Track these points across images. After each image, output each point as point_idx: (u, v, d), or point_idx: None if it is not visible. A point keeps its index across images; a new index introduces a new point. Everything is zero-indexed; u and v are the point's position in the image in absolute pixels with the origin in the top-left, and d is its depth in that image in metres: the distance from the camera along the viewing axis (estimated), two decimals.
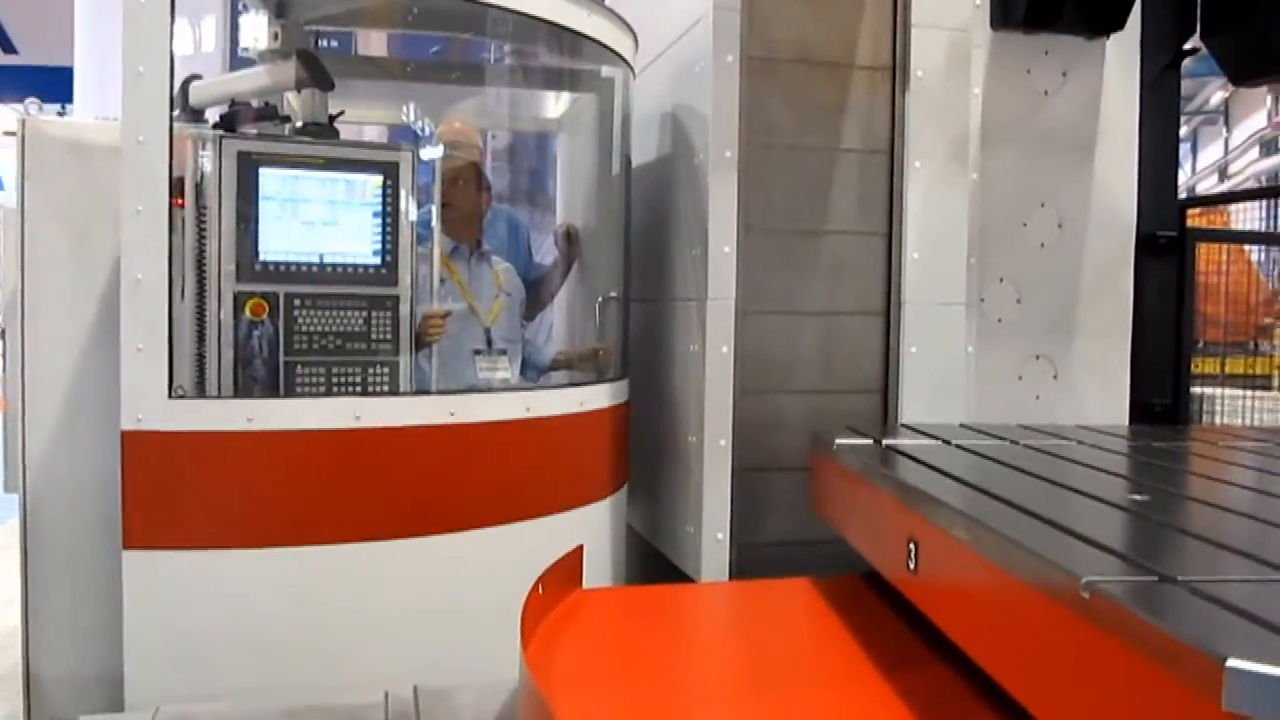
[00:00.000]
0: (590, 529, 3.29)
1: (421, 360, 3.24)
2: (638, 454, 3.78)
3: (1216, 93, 19.61)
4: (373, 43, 5.04)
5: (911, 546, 2.24)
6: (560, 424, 3.25)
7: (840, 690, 2.26)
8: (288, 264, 2.93)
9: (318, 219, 2.97)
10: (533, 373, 3.79)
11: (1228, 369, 5.94)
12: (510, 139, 3.98)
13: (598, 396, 3.43)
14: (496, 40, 3.62)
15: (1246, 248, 6.41)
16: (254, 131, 3.08)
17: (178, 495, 2.70)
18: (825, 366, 3.48)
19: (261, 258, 2.90)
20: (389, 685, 2.75)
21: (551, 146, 4.43)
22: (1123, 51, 3.78)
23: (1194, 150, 21.79)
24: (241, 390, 2.88)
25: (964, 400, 3.52)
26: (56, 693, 2.98)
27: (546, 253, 4.20)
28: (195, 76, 3.21)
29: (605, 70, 3.76)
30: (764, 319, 3.41)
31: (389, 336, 3.03)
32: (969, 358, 3.58)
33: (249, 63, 3.35)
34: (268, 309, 2.89)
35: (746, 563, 3.39)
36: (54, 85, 8.87)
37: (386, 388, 3.01)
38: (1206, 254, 5.01)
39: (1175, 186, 4.16)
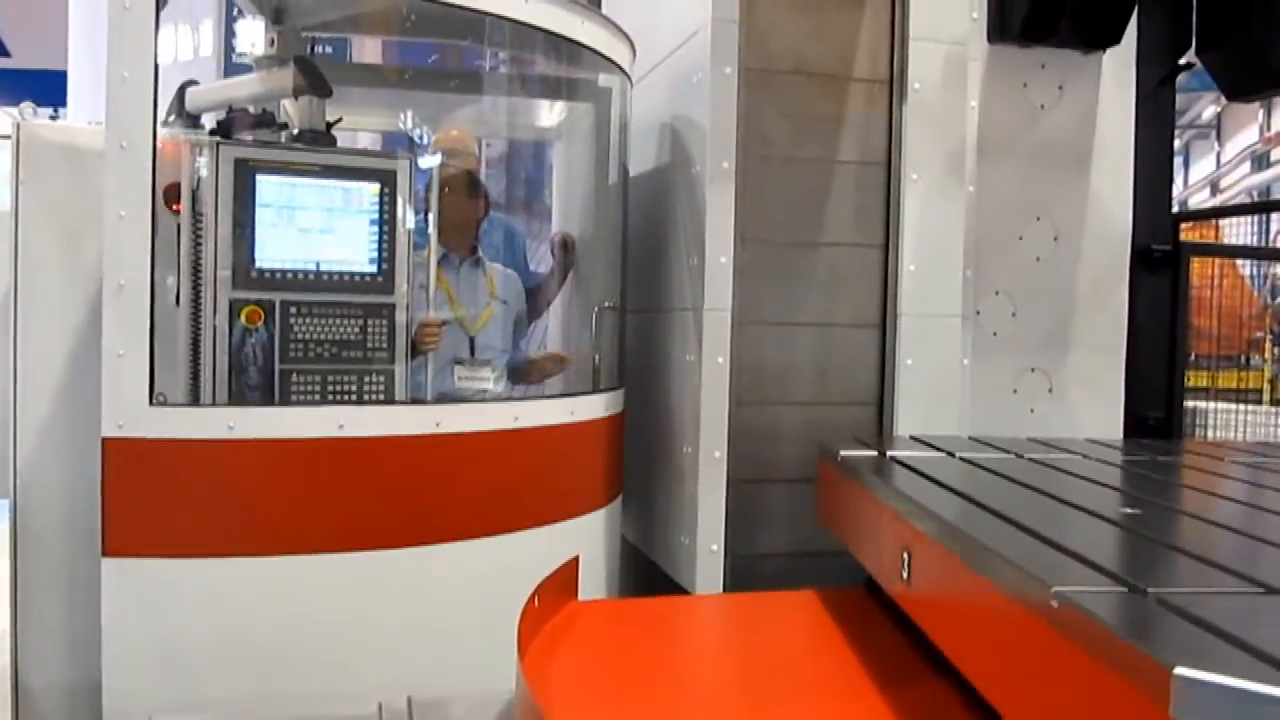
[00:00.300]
0: (584, 540, 3.27)
1: (415, 369, 3.24)
2: (632, 464, 3.77)
3: (1209, 107, 19.71)
4: (368, 49, 5.04)
5: (905, 556, 2.24)
6: (550, 434, 3.23)
7: (836, 703, 2.25)
8: (283, 271, 2.91)
9: (314, 226, 2.96)
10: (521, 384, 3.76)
11: (1219, 383, 5.96)
12: (507, 147, 3.97)
13: (590, 407, 3.42)
14: (492, 48, 3.61)
15: (1238, 262, 6.44)
16: (249, 138, 3.07)
17: (159, 502, 2.68)
18: (821, 378, 3.48)
19: (257, 265, 2.89)
20: (380, 696, 2.73)
21: (548, 155, 4.42)
22: (1118, 66, 3.80)
23: (1186, 164, 21.88)
24: (237, 397, 2.86)
25: (959, 413, 3.52)
26: (45, 701, 2.96)
27: (541, 261, 4.19)
28: (192, 82, 3.20)
29: (603, 79, 3.76)
30: (760, 330, 3.41)
31: (384, 345, 3.02)
32: (964, 370, 3.58)
33: (244, 68, 3.34)
34: (263, 316, 2.87)
35: (741, 574, 3.38)
36: (47, 88, 8.86)
37: (381, 396, 3.00)
38: (1199, 268, 5.02)
39: (1170, 201, 4.17)
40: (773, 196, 3.42)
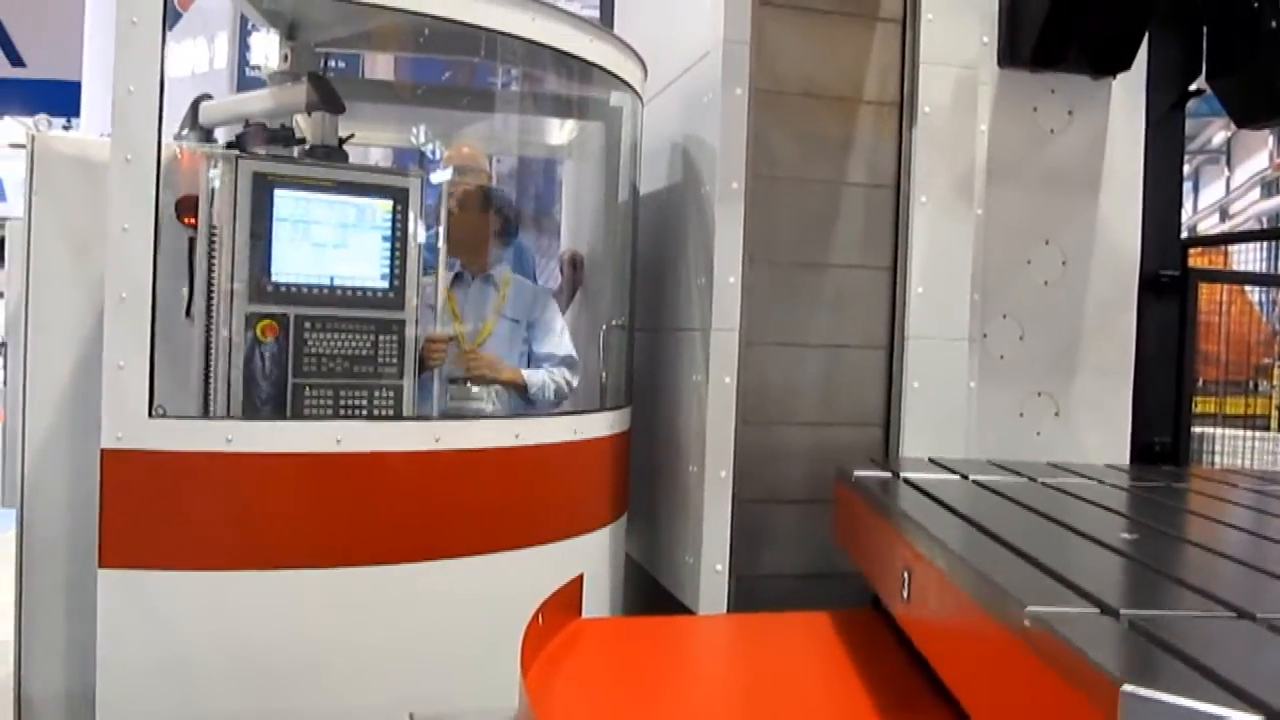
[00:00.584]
0: (588, 558, 3.27)
1: (424, 384, 3.25)
2: (637, 482, 3.77)
3: (1219, 132, 19.69)
4: (380, 66, 5.08)
5: (905, 576, 2.26)
6: (553, 452, 3.23)
7: None
8: (298, 286, 2.92)
9: (329, 241, 2.97)
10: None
11: (1227, 409, 5.94)
12: (517, 164, 3.99)
13: (594, 425, 3.42)
14: (503, 65, 3.63)
15: (1247, 288, 6.42)
16: (262, 151, 3.09)
17: (157, 515, 2.67)
18: (827, 399, 3.48)
19: (274, 279, 2.89)
20: (382, 712, 2.73)
21: (558, 172, 4.44)
22: (1129, 91, 3.80)
23: (1195, 189, 21.86)
24: (248, 411, 2.87)
25: (965, 436, 3.52)
26: (47, 712, 2.95)
27: (550, 278, 4.21)
28: (206, 96, 3.23)
29: (613, 98, 3.78)
30: (767, 350, 3.41)
31: (394, 360, 3.03)
32: (971, 393, 3.58)
33: (257, 82, 3.36)
34: (278, 330, 2.88)
35: (745, 595, 3.37)
36: (60, 99, 8.92)
37: (390, 411, 3.00)
38: (1208, 293, 5.02)
39: (1179, 226, 4.17)
40: (782, 217, 3.43)
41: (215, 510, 2.73)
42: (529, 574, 2.97)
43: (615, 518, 3.57)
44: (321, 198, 2.96)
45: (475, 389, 3.43)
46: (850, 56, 3.48)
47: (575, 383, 3.57)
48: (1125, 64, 3.70)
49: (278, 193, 2.89)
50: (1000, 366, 3.70)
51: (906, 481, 2.86)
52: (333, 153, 3.13)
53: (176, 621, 2.69)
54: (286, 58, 3.18)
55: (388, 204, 3.02)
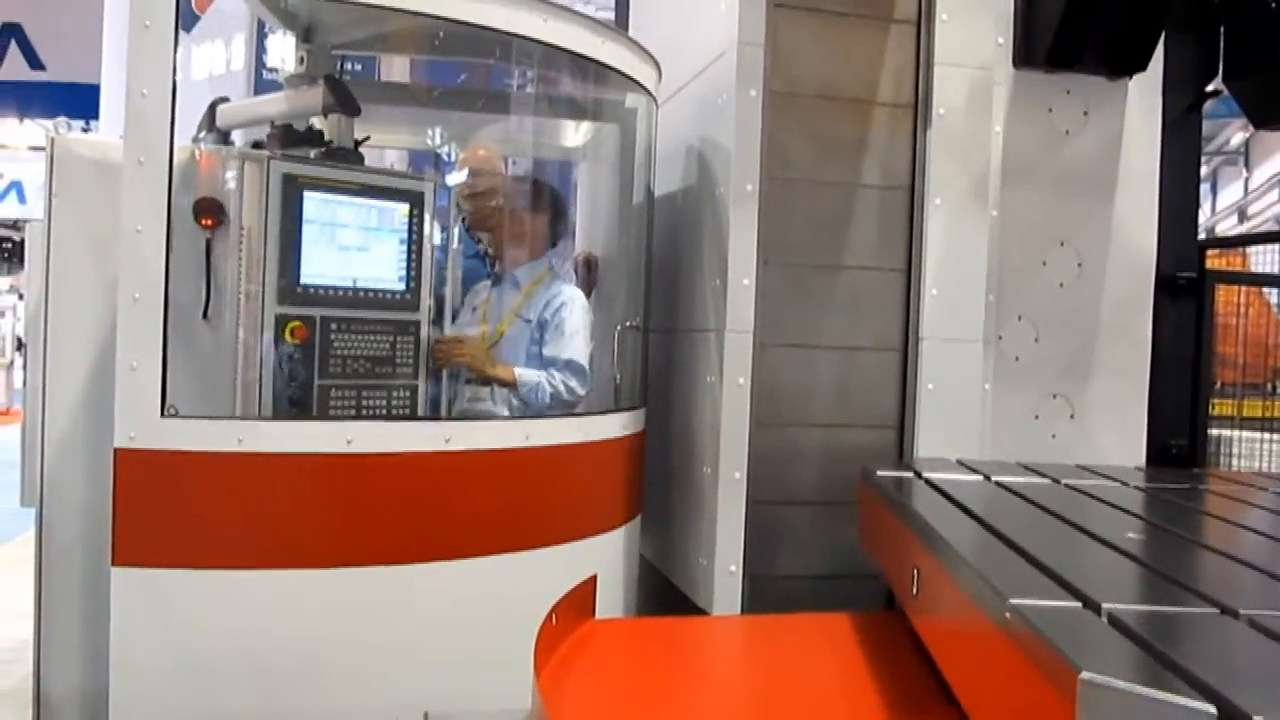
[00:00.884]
0: (602, 559, 3.28)
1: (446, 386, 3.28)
2: (651, 484, 3.78)
3: (1237, 134, 19.58)
4: (396, 69, 5.09)
5: (915, 573, 2.27)
6: (564, 453, 3.24)
7: None
8: (324, 288, 2.94)
9: (352, 244, 3.00)
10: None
11: (1244, 411, 5.90)
12: (532, 166, 3.99)
13: (605, 426, 3.42)
14: (518, 68, 3.64)
15: (1265, 290, 6.39)
16: (278, 153, 3.10)
17: (169, 513, 2.69)
18: (842, 401, 3.48)
19: (302, 281, 2.91)
20: (396, 712, 2.74)
21: (573, 174, 4.45)
22: (1144, 92, 3.78)
23: (1214, 191, 21.74)
24: (278, 413, 2.88)
25: (980, 438, 3.51)
26: (66, 710, 2.97)
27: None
28: (223, 99, 3.24)
29: (628, 100, 3.78)
30: (782, 352, 3.42)
31: (411, 362, 3.05)
32: (986, 395, 3.57)
33: (273, 84, 3.38)
34: (306, 332, 2.90)
35: (759, 596, 3.37)
36: (80, 102, 8.98)
37: (407, 412, 3.02)
38: (1225, 295, 4.99)
39: (1195, 228, 4.15)
40: (796, 219, 3.43)
41: (227, 510, 2.75)
42: (542, 574, 2.98)
43: (629, 519, 3.57)
44: (345, 200, 2.98)
45: (484, 390, 3.43)
46: (865, 58, 3.48)
47: (580, 389, 3.46)
48: (1141, 65, 3.68)
49: (307, 195, 2.91)
50: (1015, 368, 3.69)
51: (926, 481, 2.86)
52: (348, 155, 3.15)
53: (188, 620, 2.71)
54: (303, 60, 3.20)
55: (405, 207, 3.04)
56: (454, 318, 3.58)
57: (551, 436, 3.20)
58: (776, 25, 3.38)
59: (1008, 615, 1.57)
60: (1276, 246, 6.11)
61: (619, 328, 3.76)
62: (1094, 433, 3.75)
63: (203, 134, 3.18)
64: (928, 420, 3.44)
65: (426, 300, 3.10)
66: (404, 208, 3.05)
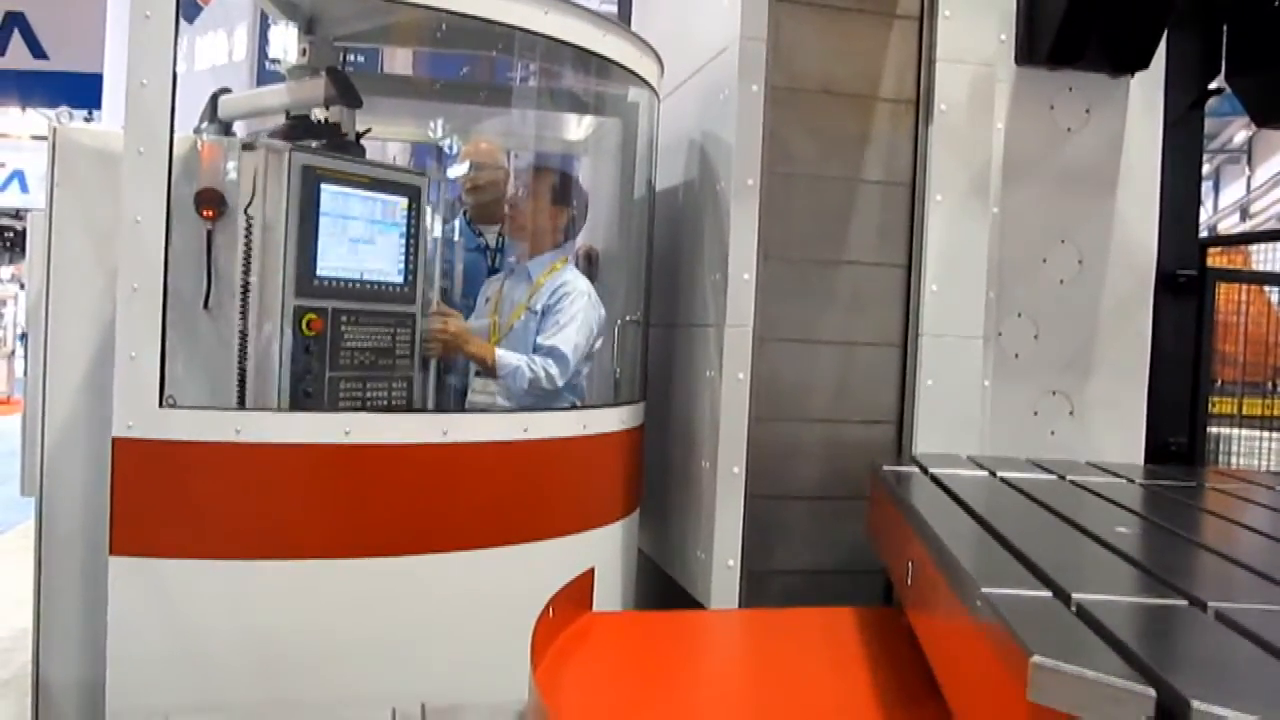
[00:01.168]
0: (600, 552, 3.28)
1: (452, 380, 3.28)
2: (650, 477, 3.78)
3: (1240, 131, 19.56)
4: (398, 61, 5.09)
5: (909, 567, 2.30)
6: (562, 446, 3.24)
7: None
8: (337, 280, 2.96)
9: (360, 236, 3.01)
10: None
11: (1245, 410, 5.90)
12: (534, 160, 4.00)
13: (604, 420, 3.42)
14: (520, 61, 3.64)
15: (1266, 288, 6.38)
16: (280, 143, 3.11)
17: (167, 503, 2.70)
18: (841, 396, 3.48)
19: (318, 273, 2.92)
20: (394, 703, 2.75)
21: (574, 168, 4.45)
22: (1147, 90, 3.78)
23: (1216, 189, 21.71)
24: (298, 405, 2.89)
25: (979, 434, 3.51)
26: (65, 699, 2.98)
27: None
28: (225, 90, 3.24)
29: (630, 94, 3.78)
30: (781, 347, 3.42)
31: (409, 354, 3.06)
32: (985, 391, 3.57)
33: (276, 76, 3.38)
34: (322, 325, 2.91)
35: (756, 590, 3.38)
36: (82, 92, 8.96)
37: (405, 404, 3.03)
38: (1226, 293, 4.99)
39: (1197, 225, 4.15)
40: (797, 214, 3.43)
41: (225, 500, 2.75)
42: (539, 567, 2.99)
43: (627, 512, 3.58)
44: (354, 193, 2.99)
45: (490, 385, 3.43)
46: (867, 53, 3.48)
47: (560, 377, 3.41)
48: (1144, 62, 3.68)
49: (323, 187, 2.91)
50: (1015, 365, 3.69)
51: (930, 476, 2.87)
52: (350, 147, 3.15)
53: (186, 609, 2.72)
54: (305, 52, 3.20)
55: (404, 201, 3.05)
56: (468, 312, 3.60)
57: (550, 430, 3.20)
58: (779, 20, 3.38)
59: (977, 603, 1.60)
60: (1278, 245, 6.10)
61: (619, 322, 3.77)
62: (1093, 430, 3.75)
63: (204, 124, 3.18)
64: (927, 416, 3.45)
65: (423, 293, 3.11)
66: (403, 201, 3.05)
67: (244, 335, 2.89)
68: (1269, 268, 6.04)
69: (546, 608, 2.44)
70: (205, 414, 2.75)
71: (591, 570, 2.80)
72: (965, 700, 1.78)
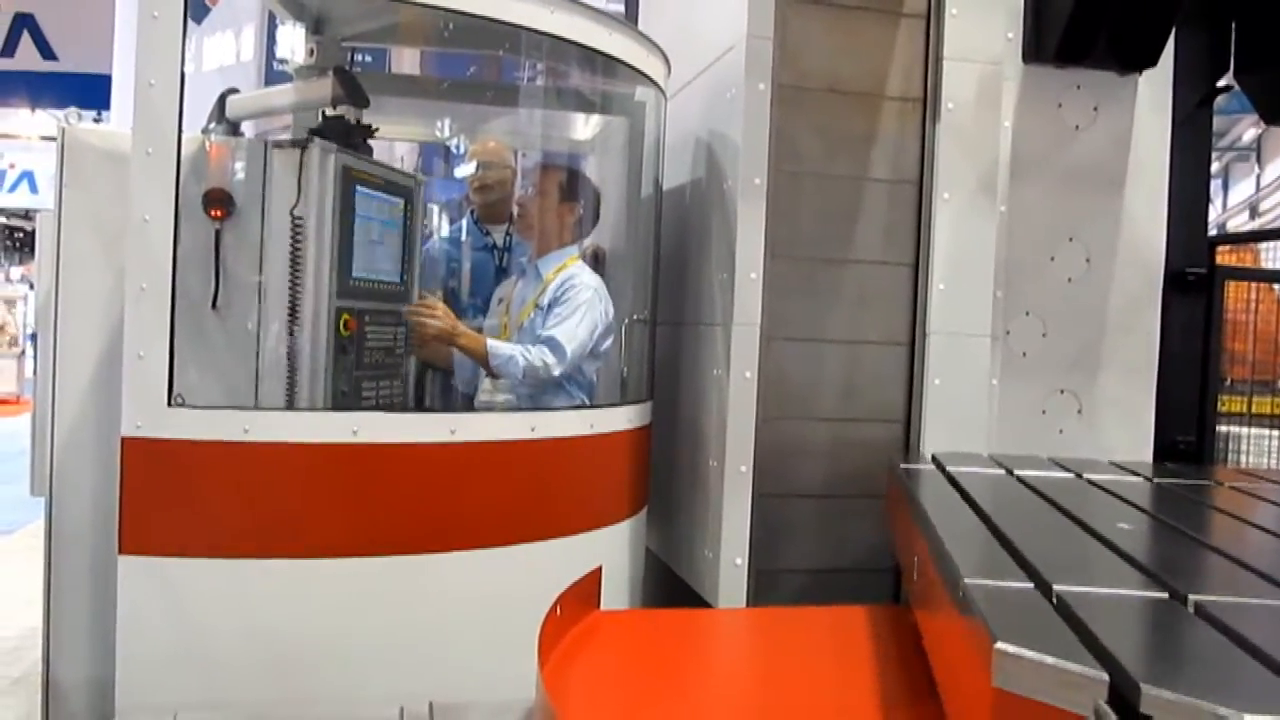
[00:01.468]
0: (607, 551, 3.28)
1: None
2: (657, 476, 3.78)
3: (1249, 129, 19.50)
4: (405, 61, 5.10)
5: (915, 561, 2.31)
6: (569, 446, 3.24)
7: None
8: (362, 280, 3.00)
9: (375, 237, 3.05)
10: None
11: (1254, 408, 5.88)
12: (541, 159, 4.00)
13: (611, 419, 3.43)
14: (527, 60, 3.65)
15: (1276, 286, 6.36)
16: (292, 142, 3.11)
17: (175, 502, 2.71)
18: (848, 395, 3.48)
19: (352, 274, 2.96)
20: (401, 701, 2.75)
21: (582, 167, 4.46)
22: (1155, 87, 3.77)
23: (1225, 187, 21.65)
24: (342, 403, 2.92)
25: (987, 433, 3.51)
26: (75, 697, 2.99)
27: None
28: (233, 90, 3.26)
29: (637, 93, 3.78)
30: (788, 345, 3.42)
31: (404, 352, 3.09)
32: (993, 390, 3.57)
33: (284, 76, 3.39)
34: (356, 325, 2.94)
35: (764, 589, 3.38)
36: (91, 92, 8.99)
37: (410, 400, 3.04)
38: (1235, 291, 4.98)
39: (1205, 223, 4.14)
40: (804, 213, 3.43)
41: (233, 499, 2.76)
42: (547, 566, 2.99)
43: (634, 511, 3.58)
44: (374, 194, 3.05)
45: (491, 382, 3.43)
46: (874, 52, 3.48)
47: (556, 366, 3.35)
48: (1152, 60, 3.67)
49: (356, 189, 2.94)
50: (1023, 364, 3.69)
51: (944, 474, 2.87)
52: (359, 148, 3.16)
53: (194, 608, 2.73)
54: (312, 52, 3.21)
55: (403, 202, 3.07)
56: (474, 312, 3.61)
57: (558, 429, 3.21)
58: (785, 19, 3.38)
59: (960, 594, 1.63)
60: None
61: (626, 321, 3.77)
62: (1101, 428, 3.74)
63: (212, 125, 3.19)
64: (935, 415, 3.44)
65: (416, 293, 3.17)
66: (402, 202, 3.08)
67: (291, 335, 2.92)
68: (1278, 265, 6.02)
69: (554, 606, 2.44)
70: (213, 413, 2.76)
71: (599, 569, 2.80)
72: (951, 691, 1.79)
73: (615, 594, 3.30)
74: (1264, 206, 19.69)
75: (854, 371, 3.49)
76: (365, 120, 3.21)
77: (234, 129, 3.22)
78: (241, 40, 6.39)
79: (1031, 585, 1.70)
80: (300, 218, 2.88)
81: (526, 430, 3.11)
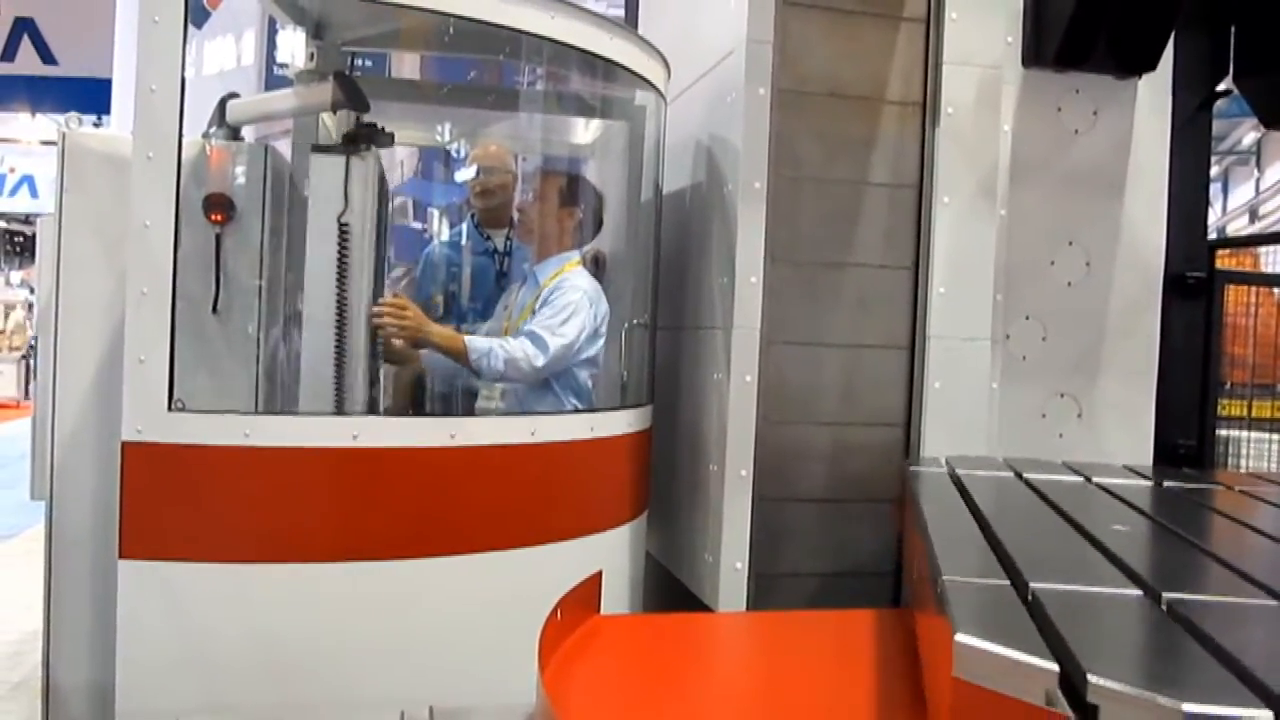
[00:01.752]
0: (607, 555, 3.28)
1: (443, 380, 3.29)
2: (657, 480, 3.78)
3: (1249, 133, 19.50)
4: (406, 65, 5.11)
5: (913, 563, 2.31)
6: (570, 449, 3.24)
7: None
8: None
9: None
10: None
11: (1254, 412, 5.88)
12: (541, 163, 4.01)
13: (612, 423, 3.43)
14: (527, 65, 3.65)
15: (1276, 290, 6.36)
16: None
17: (176, 507, 2.72)
18: (848, 399, 3.48)
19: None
20: (402, 705, 2.75)
21: (582, 171, 4.46)
22: (1154, 91, 3.78)
23: (1225, 190, 21.66)
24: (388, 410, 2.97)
25: (987, 437, 3.51)
26: (74, 701, 2.99)
27: None
28: (233, 95, 3.26)
29: (637, 97, 3.79)
30: (788, 349, 3.42)
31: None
32: (993, 394, 3.57)
33: (284, 80, 3.40)
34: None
35: (764, 593, 3.38)
36: (91, 97, 9.00)
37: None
38: (1235, 295, 4.98)
39: (1205, 227, 4.14)
40: (804, 217, 3.43)
41: (234, 503, 2.76)
42: (547, 570, 2.99)
43: (635, 515, 3.58)
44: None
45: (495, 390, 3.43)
46: (874, 56, 3.48)
47: (537, 358, 3.31)
48: (1151, 64, 3.67)
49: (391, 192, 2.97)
50: (1023, 367, 3.69)
51: (952, 476, 2.87)
52: None
53: (195, 612, 2.73)
54: (313, 56, 3.21)
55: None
56: (474, 315, 3.61)
57: (558, 433, 3.21)
58: (786, 23, 3.38)
59: (938, 591, 1.66)
60: None
61: (626, 325, 3.77)
62: (1102, 432, 3.74)
63: (213, 129, 3.19)
64: (935, 419, 3.44)
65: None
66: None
67: (341, 340, 2.96)
68: (1278, 269, 6.03)
69: (554, 610, 2.44)
70: (214, 418, 2.76)
71: (599, 573, 2.80)
72: (929, 686, 1.81)
73: (615, 598, 3.30)
74: (1264, 210, 19.70)
75: (854, 375, 3.49)
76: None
77: (234, 133, 3.23)
78: (242, 44, 6.40)
79: (1008, 583, 1.73)
80: (348, 224, 2.89)
81: (527, 434, 3.11)
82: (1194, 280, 3.92)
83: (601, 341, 3.55)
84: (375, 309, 3.04)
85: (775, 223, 3.38)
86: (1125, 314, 3.77)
